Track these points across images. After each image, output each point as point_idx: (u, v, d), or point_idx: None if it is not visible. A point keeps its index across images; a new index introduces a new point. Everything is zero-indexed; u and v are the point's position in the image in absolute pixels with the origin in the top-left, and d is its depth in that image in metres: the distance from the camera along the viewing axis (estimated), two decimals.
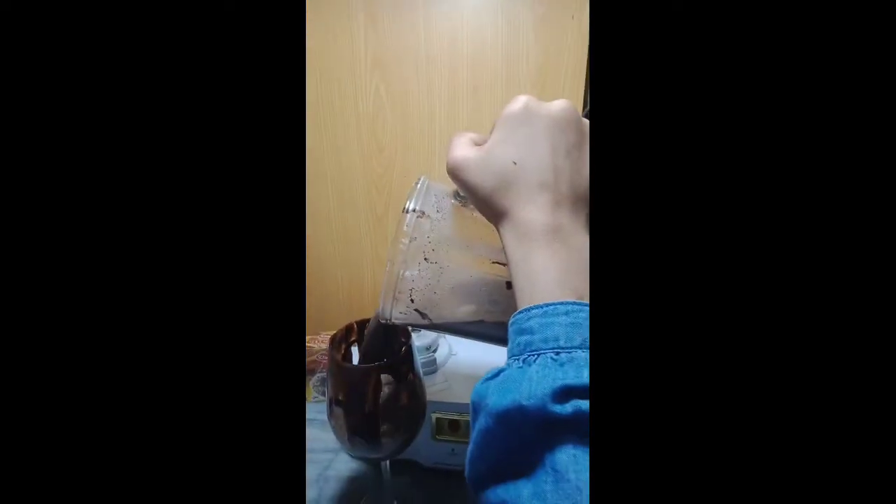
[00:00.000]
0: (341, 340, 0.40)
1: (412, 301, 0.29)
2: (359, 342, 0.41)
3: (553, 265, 0.22)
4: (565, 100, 0.24)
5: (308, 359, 0.59)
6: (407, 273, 0.28)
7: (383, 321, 0.30)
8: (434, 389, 0.46)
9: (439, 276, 0.29)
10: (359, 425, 0.36)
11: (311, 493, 0.44)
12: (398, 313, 0.30)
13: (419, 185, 0.30)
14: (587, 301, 0.21)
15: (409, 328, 0.37)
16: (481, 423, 0.21)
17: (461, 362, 0.51)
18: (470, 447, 0.21)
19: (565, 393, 0.18)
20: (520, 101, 0.24)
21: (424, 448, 0.46)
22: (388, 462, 0.41)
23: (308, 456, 0.48)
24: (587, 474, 0.17)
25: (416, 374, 0.37)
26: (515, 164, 0.23)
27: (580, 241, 0.22)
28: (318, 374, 0.58)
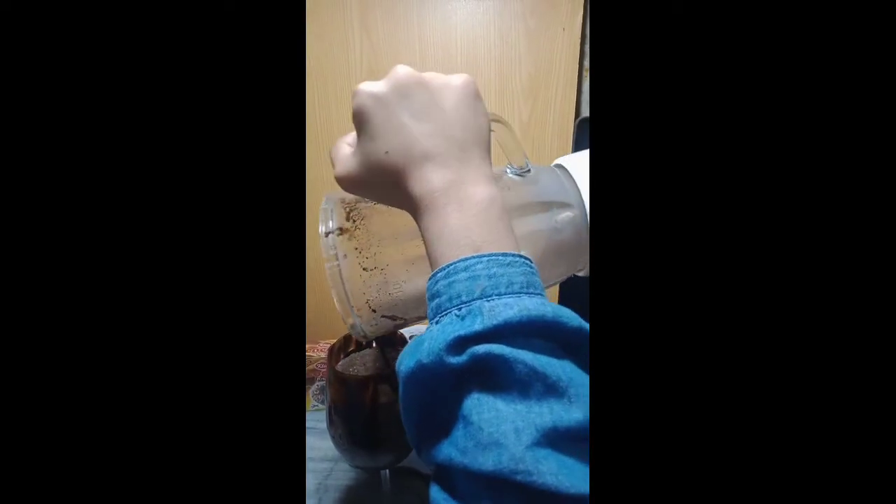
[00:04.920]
0: (340, 350, 0.40)
1: (374, 311, 0.29)
2: (357, 352, 0.41)
3: (448, 226, 0.22)
4: (399, 66, 0.24)
5: (307, 367, 0.59)
6: (354, 289, 0.28)
7: (361, 339, 0.30)
8: None
9: (385, 276, 0.28)
10: (358, 434, 0.36)
11: (310, 503, 0.44)
12: (368, 327, 0.29)
13: (324, 206, 0.29)
14: (487, 250, 0.21)
15: (407, 337, 0.38)
16: (399, 390, 0.21)
17: None
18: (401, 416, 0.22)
19: (459, 343, 0.19)
20: (359, 95, 0.24)
21: None
22: (387, 471, 0.41)
23: (307, 465, 0.48)
24: (489, 414, 0.18)
25: None
26: (387, 153, 0.23)
27: (474, 191, 0.22)
28: (318, 383, 0.59)
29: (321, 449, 0.50)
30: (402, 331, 0.37)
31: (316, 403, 0.58)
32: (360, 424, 0.36)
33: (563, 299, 0.68)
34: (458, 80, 0.24)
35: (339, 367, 0.39)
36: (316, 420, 0.54)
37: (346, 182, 0.25)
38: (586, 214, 0.28)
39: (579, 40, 0.58)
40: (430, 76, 0.24)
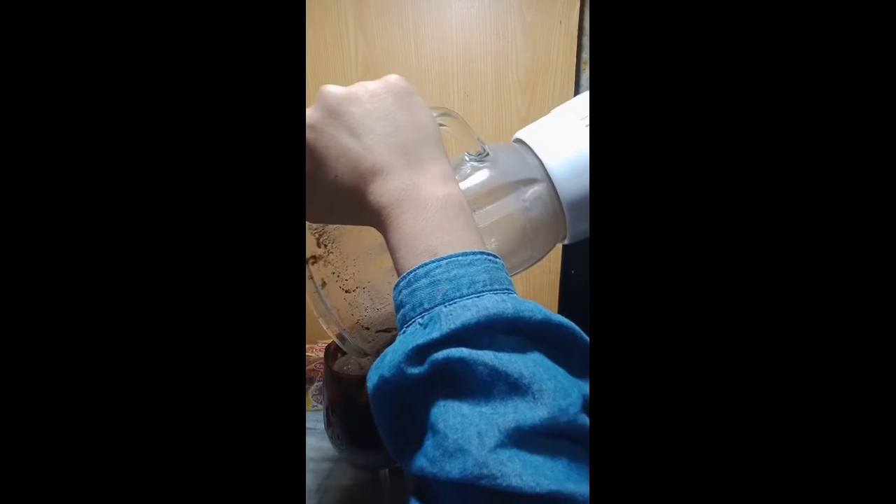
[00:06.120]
0: (336, 350, 0.40)
1: (367, 329, 0.29)
2: None
3: (406, 235, 0.21)
4: (325, 87, 0.23)
5: (306, 367, 0.59)
6: (342, 314, 0.28)
7: (361, 356, 0.30)
8: None
9: (369, 293, 0.28)
10: (356, 433, 0.36)
11: (311, 503, 0.44)
12: (366, 344, 0.29)
13: None
14: (445, 252, 0.21)
15: None
16: (371, 406, 0.21)
17: None
18: None
19: (418, 353, 0.19)
20: None
21: None
22: (387, 470, 0.41)
23: (307, 465, 0.48)
24: (455, 420, 0.18)
25: None
26: (336, 177, 0.23)
27: (428, 194, 0.22)
28: (317, 383, 0.58)
29: (321, 449, 0.50)
30: None
31: (315, 404, 0.58)
32: (358, 423, 0.36)
33: (563, 304, 0.67)
34: (386, 83, 0.24)
35: (336, 366, 0.39)
36: (316, 420, 0.54)
37: (307, 214, 0.25)
38: (552, 184, 0.28)
39: (576, 33, 0.57)
40: (359, 87, 0.23)
